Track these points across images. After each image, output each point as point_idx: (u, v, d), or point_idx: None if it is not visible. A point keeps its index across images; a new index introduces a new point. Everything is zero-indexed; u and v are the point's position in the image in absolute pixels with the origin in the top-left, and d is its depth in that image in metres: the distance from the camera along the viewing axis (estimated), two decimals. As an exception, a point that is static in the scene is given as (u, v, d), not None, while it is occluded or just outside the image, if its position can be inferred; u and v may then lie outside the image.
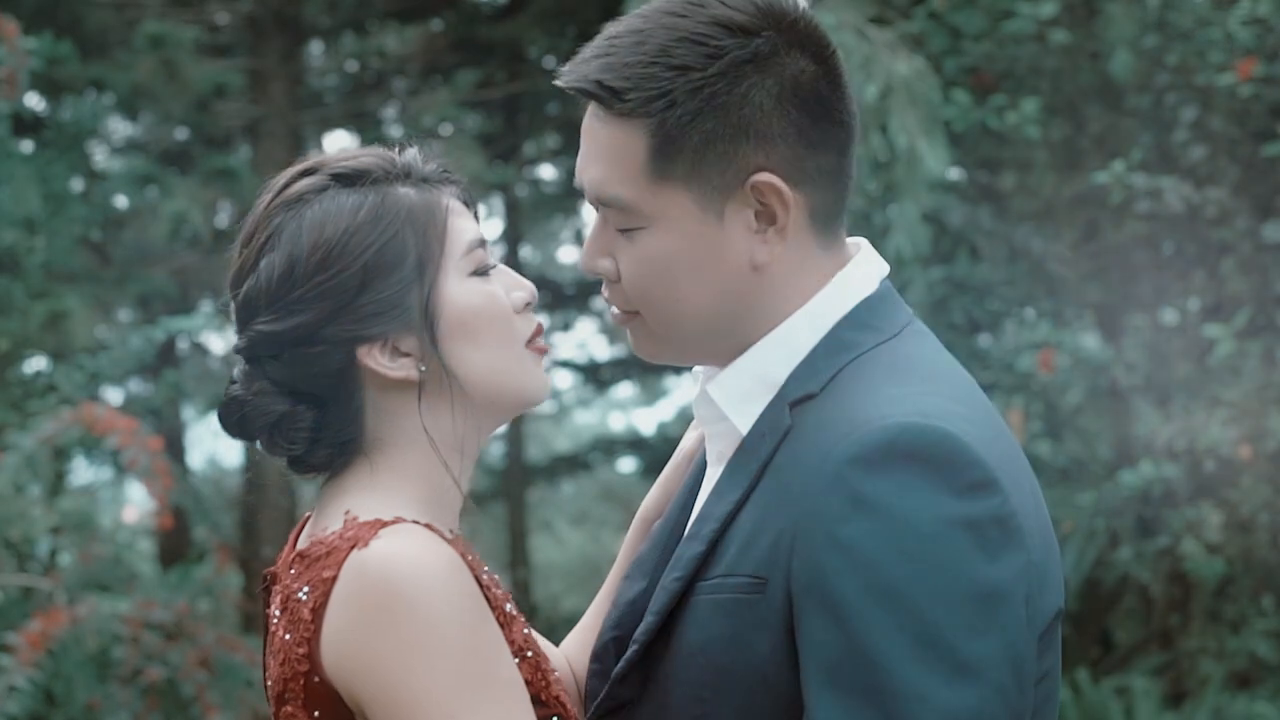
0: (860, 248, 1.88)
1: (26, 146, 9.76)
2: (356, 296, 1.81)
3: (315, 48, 14.30)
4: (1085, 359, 8.21)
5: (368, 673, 1.70)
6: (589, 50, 1.82)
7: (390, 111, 14.51)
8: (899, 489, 1.64)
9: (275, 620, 1.81)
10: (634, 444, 16.23)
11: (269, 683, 1.82)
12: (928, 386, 1.73)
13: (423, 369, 1.83)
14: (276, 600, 1.83)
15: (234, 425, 1.89)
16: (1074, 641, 8.80)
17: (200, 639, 7.34)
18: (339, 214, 1.82)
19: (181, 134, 12.84)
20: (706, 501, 1.83)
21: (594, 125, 1.82)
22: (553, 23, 13.11)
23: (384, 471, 1.84)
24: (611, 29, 1.82)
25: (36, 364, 9.81)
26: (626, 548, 2.07)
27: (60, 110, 10.12)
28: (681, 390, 19.50)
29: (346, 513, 1.80)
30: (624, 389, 19.05)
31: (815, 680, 1.63)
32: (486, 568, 1.88)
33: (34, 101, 10.52)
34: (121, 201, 11.51)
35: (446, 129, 13.49)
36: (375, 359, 1.83)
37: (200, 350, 15.37)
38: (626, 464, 17.98)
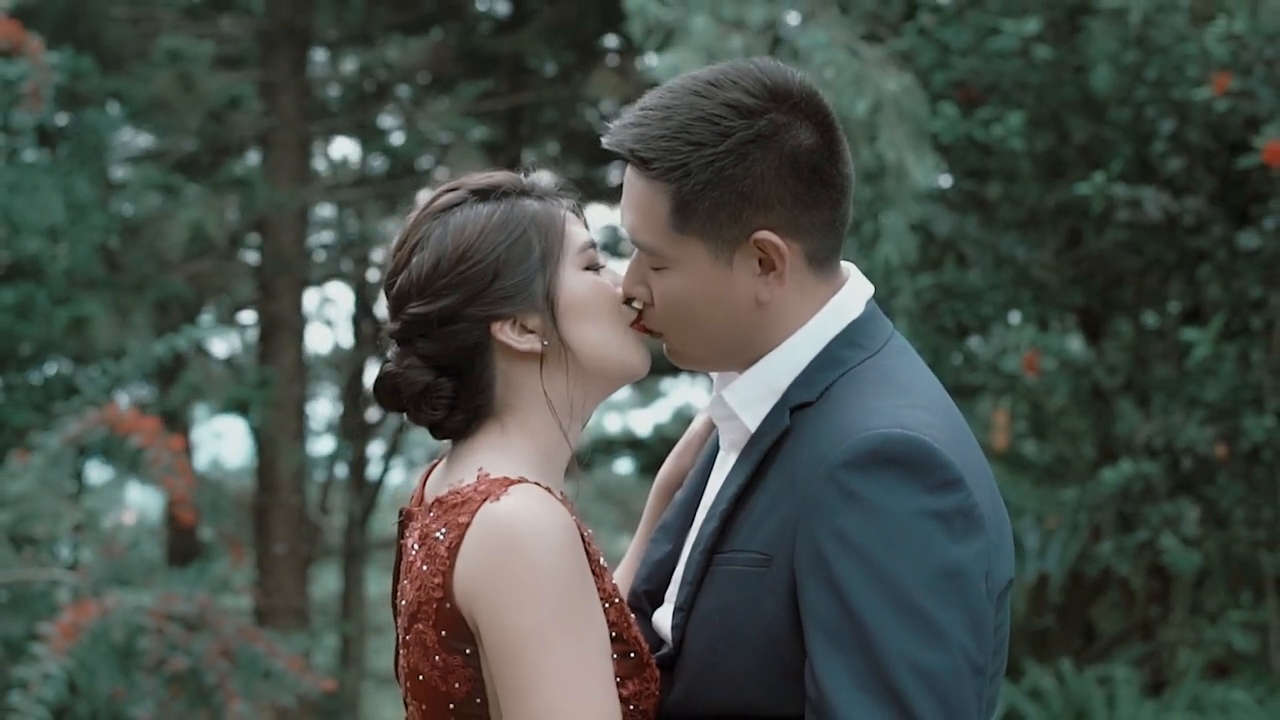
0: (850, 273, 2.21)
1: (48, 157, 9.95)
2: (491, 283, 2.16)
3: (323, 60, 14.46)
4: (1069, 361, 8.34)
5: (487, 603, 2.04)
6: (628, 116, 2.15)
7: (397, 121, 14.70)
8: (882, 487, 1.97)
9: (414, 552, 2.15)
10: (631, 445, 16.38)
11: (403, 602, 2.16)
12: (905, 399, 2.05)
13: (545, 343, 2.17)
14: (414, 535, 2.17)
15: (387, 395, 2.22)
16: (1058, 632, 8.87)
17: (221, 630, 7.55)
18: (476, 219, 2.18)
19: (192, 144, 13.00)
20: (721, 486, 2.18)
21: (631, 179, 2.16)
22: (553, 36, 13.30)
23: (511, 432, 2.18)
24: (648, 99, 2.15)
25: (58, 368, 10.03)
26: (649, 512, 2.43)
27: (80, 122, 10.30)
28: (677, 393, 19.74)
29: (480, 469, 2.13)
30: (620, 391, 19.21)
31: (818, 641, 1.97)
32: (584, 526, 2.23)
33: (54, 113, 10.72)
34: (140, 210, 11.70)
35: (447, 137, 13.66)
36: (506, 334, 2.17)
37: (203, 354, 15.54)
38: (623, 465, 18.14)
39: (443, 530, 2.09)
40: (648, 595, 2.27)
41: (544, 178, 2.26)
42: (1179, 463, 8.01)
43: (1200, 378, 8.12)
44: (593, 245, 2.22)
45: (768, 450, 2.10)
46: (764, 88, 2.11)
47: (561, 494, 2.18)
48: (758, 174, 2.08)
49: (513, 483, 2.09)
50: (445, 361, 2.19)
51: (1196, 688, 8.13)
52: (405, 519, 2.24)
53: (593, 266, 2.22)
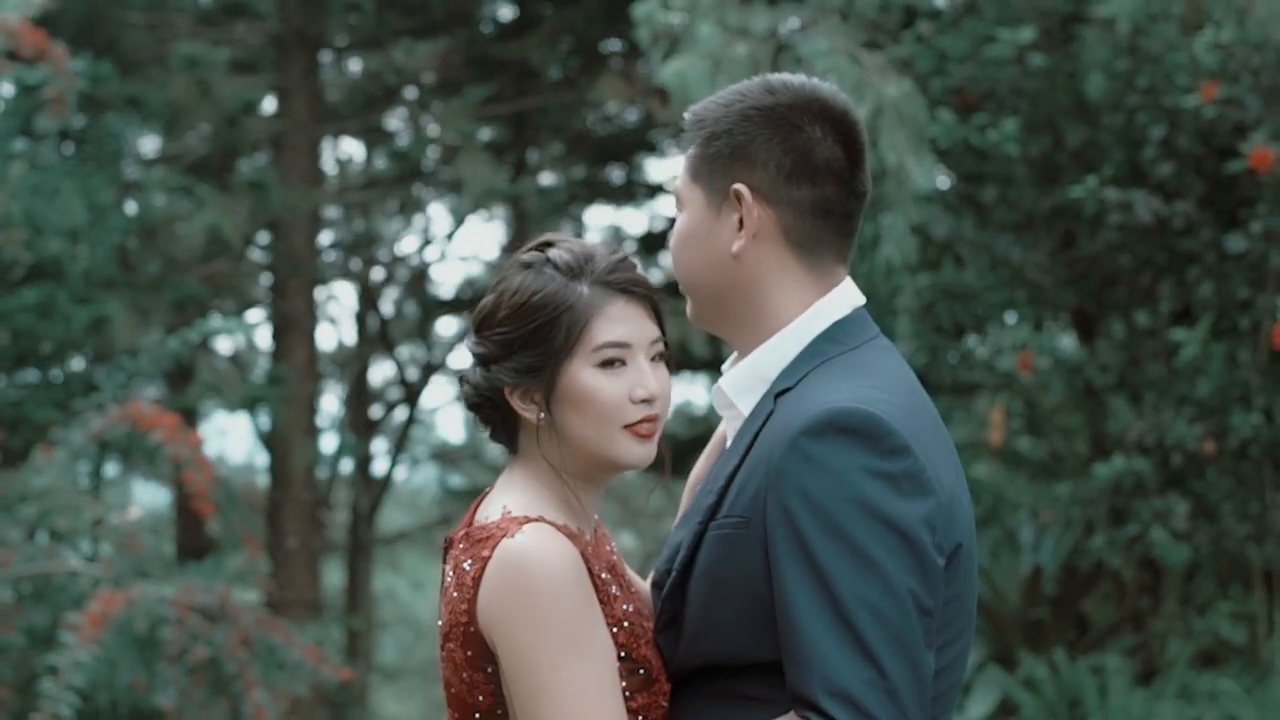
0: (844, 281, 2.49)
1: (68, 161, 10.10)
2: (515, 352, 2.42)
3: (329, 61, 14.61)
4: (1062, 360, 8.48)
5: (502, 628, 2.32)
6: None
7: (406, 124, 14.88)
8: (836, 451, 2.24)
9: (449, 579, 2.42)
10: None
11: (440, 622, 2.44)
12: (867, 382, 2.33)
13: (541, 416, 2.43)
14: (451, 563, 2.44)
15: (461, 398, 2.51)
16: (1052, 623, 8.96)
17: (241, 621, 7.74)
18: (529, 289, 2.43)
19: (203, 146, 13.16)
20: (717, 464, 2.47)
21: None
22: (559, 41, 13.47)
23: (528, 476, 2.45)
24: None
25: (78, 366, 10.18)
26: (681, 507, 2.69)
27: (99, 126, 10.46)
28: (675, 392, 19.89)
29: (504, 508, 2.40)
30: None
31: (785, 586, 2.25)
32: (611, 547, 2.52)
33: (75, 117, 10.85)
34: (156, 211, 11.86)
35: (454, 139, 13.83)
36: (514, 399, 2.44)
37: (209, 352, 15.67)
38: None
39: (469, 562, 2.37)
40: (668, 574, 2.51)
41: (619, 268, 2.45)
42: (1169, 459, 8.17)
43: (1190, 376, 8.28)
44: (616, 346, 2.41)
45: (757, 431, 2.38)
46: (803, 89, 2.44)
47: (578, 529, 2.43)
48: (751, 135, 2.40)
49: (528, 521, 2.36)
50: (485, 394, 2.46)
51: (1186, 677, 8.26)
52: (447, 545, 2.50)
53: (607, 363, 2.42)
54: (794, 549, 2.24)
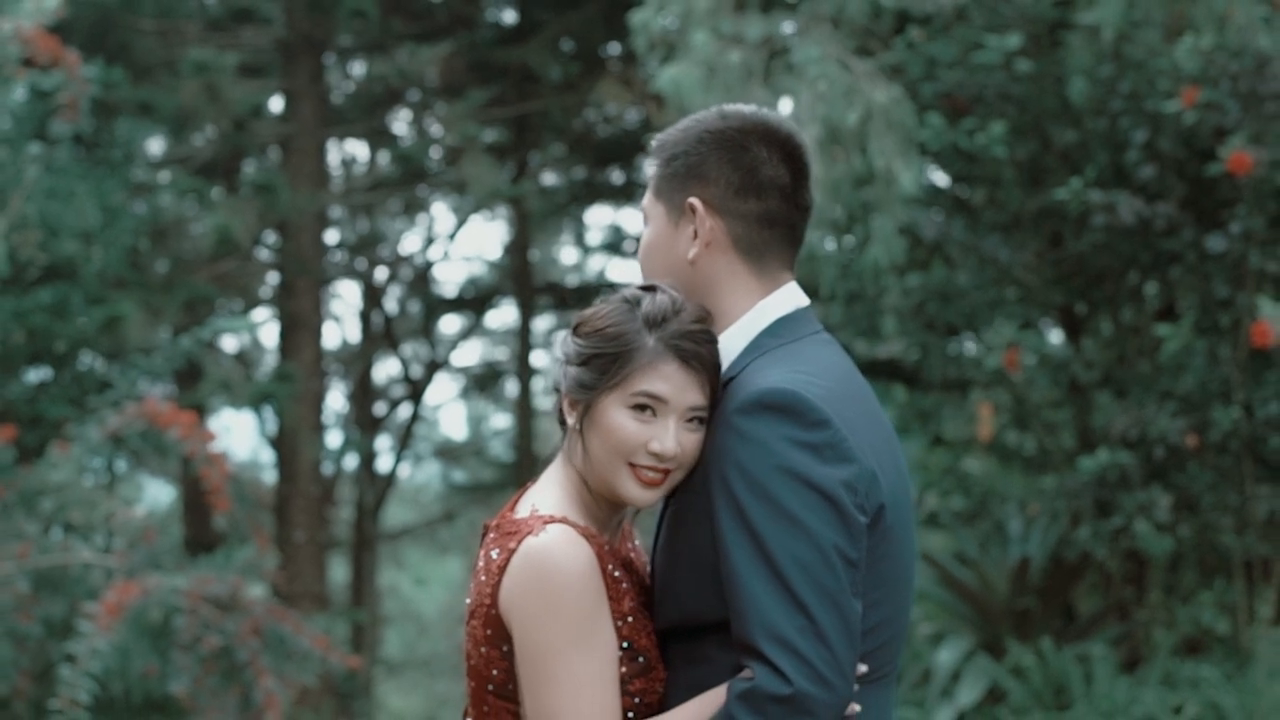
0: (789, 284, 2.77)
1: (82, 164, 10.26)
2: (580, 365, 2.69)
3: (339, 68, 14.79)
4: (1049, 357, 8.69)
5: (518, 616, 2.59)
6: None
7: (411, 127, 15.05)
8: (764, 426, 2.54)
9: (480, 563, 2.69)
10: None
11: (468, 600, 2.71)
12: (796, 367, 2.62)
13: (576, 428, 2.69)
14: (484, 548, 2.70)
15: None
16: (1039, 613, 9.13)
17: (252, 611, 7.95)
18: (613, 319, 2.68)
19: (210, 148, 13.34)
20: None
21: None
22: (559, 45, 13.64)
23: (563, 474, 2.72)
24: None
25: (92, 364, 10.34)
26: None
27: (112, 130, 10.62)
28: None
29: (533, 506, 2.68)
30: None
31: (726, 547, 2.54)
32: (632, 544, 2.78)
33: (90, 123, 10.97)
34: (168, 213, 12.02)
35: (457, 141, 14.00)
36: (565, 401, 2.72)
37: (214, 350, 15.80)
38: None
39: (496, 551, 2.65)
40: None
41: (690, 337, 2.65)
42: (1152, 453, 8.36)
43: (1172, 372, 8.48)
44: (650, 396, 2.64)
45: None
46: (753, 115, 2.75)
47: (597, 530, 2.69)
48: (704, 154, 2.72)
49: (551, 521, 2.63)
50: (557, 386, 2.75)
51: (1169, 665, 8.44)
52: (485, 530, 2.76)
53: (640, 408, 2.65)
54: (732, 514, 2.53)
